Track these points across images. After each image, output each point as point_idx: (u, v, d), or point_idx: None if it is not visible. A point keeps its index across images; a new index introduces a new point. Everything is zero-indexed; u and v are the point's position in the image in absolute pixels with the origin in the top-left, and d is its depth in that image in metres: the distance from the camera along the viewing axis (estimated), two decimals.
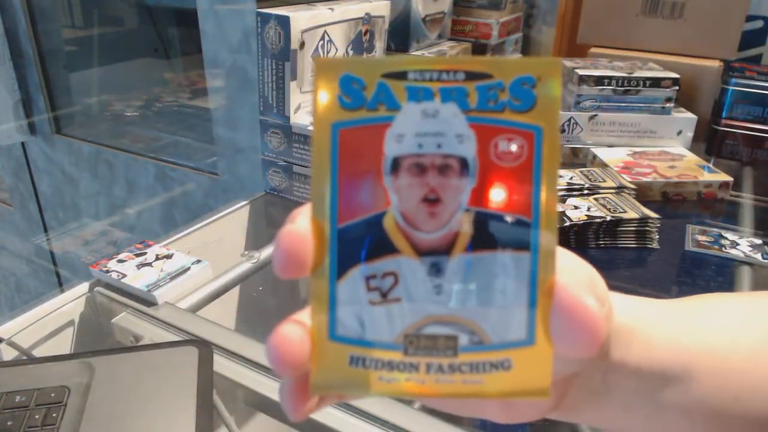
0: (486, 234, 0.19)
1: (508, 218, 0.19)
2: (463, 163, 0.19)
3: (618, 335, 0.23)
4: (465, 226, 0.19)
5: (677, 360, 0.25)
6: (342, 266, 0.19)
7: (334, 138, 0.19)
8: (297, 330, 0.19)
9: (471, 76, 0.19)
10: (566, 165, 0.95)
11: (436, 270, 0.19)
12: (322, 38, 0.77)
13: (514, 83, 0.19)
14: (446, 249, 0.19)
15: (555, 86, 0.18)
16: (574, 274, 0.20)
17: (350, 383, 0.19)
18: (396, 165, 0.19)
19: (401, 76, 0.19)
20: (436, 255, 0.19)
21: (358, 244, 0.19)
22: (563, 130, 0.96)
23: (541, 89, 0.19)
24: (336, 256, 0.19)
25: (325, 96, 0.19)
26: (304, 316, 0.20)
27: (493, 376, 0.19)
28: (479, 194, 0.19)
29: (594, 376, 0.24)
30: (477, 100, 0.19)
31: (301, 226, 0.19)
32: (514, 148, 0.19)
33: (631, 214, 0.69)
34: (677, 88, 0.93)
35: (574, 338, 0.19)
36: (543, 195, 0.19)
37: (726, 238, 0.72)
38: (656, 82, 0.93)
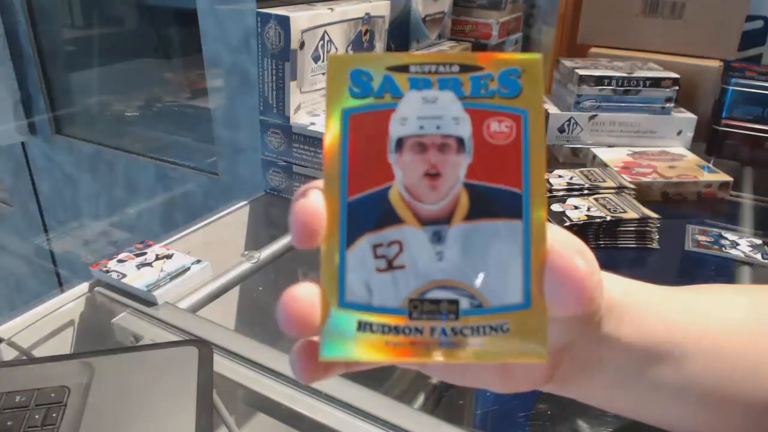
0: (482, 204, 0.21)
1: (502, 190, 0.21)
2: (460, 142, 0.21)
3: (610, 310, 0.24)
4: (463, 197, 0.21)
5: (670, 338, 0.25)
6: (351, 236, 0.21)
7: (345, 121, 0.21)
8: (308, 292, 0.20)
9: (465, 68, 0.21)
10: (566, 165, 0.95)
11: (438, 238, 0.21)
12: (322, 38, 0.77)
13: (502, 74, 0.21)
14: (446, 219, 0.21)
15: (538, 77, 0.21)
16: (564, 242, 0.21)
17: (359, 349, 0.20)
18: (400, 144, 0.21)
19: (404, 69, 0.21)
20: (437, 224, 0.21)
21: (366, 215, 0.21)
22: (563, 130, 0.96)
23: (525, 79, 0.21)
24: (345, 226, 0.21)
25: (337, 86, 0.21)
26: (316, 285, 0.21)
27: (492, 339, 0.20)
28: (475, 169, 0.21)
29: (586, 348, 0.25)
30: (470, 88, 0.21)
31: (314, 199, 0.20)
32: (504, 128, 0.21)
33: (631, 214, 0.69)
34: (677, 88, 0.93)
35: (565, 296, 0.20)
36: (532, 169, 0.21)
37: (726, 238, 0.72)
38: (656, 82, 0.93)
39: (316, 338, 0.21)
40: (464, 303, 0.21)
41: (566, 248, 0.20)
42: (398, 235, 0.21)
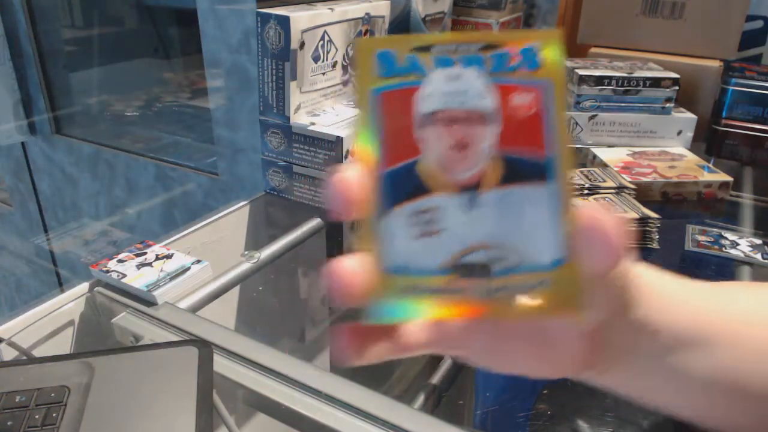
0: (512, 171, 0.22)
1: (530, 157, 0.22)
2: (486, 115, 0.22)
3: (639, 293, 0.24)
4: (493, 166, 0.22)
5: (695, 326, 0.26)
6: (387, 205, 0.22)
7: (374, 100, 0.22)
8: (353, 261, 0.22)
9: (486, 46, 0.22)
10: None
11: (472, 204, 0.22)
12: (322, 38, 0.77)
13: (523, 50, 0.22)
14: (478, 186, 0.22)
15: (557, 49, 0.22)
16: (590, 204, 0.22)
17: (403, 310, 0.22)
18: (428, 119, 0.22)
19: (428, 49, 0.22)
20: (469, 191, 0.22)
21: (400, 185, 0.22)
22: None
23: (546, 53, 0.22)
24: (382, 197, 0.22)
25: (365, 68, 0.22)
26: (359, 255, 0.22)
27: (531, 296, 0.22)
28: (502, 139, 0.22)
29: (620, 332, 0.25)
30: (493, 64, 0.22)
31: (351, 173, 0.22)
32: (528, 100, 0.22)
33: (631, 214, 0.69)
34: (677, 88, 0.93)
35: (596, 249, 0.21)
36: (558, 135, 0.22)
37: (726, 238, 0.72)
38: (656, 82, 0.93)
39: (359, 322, 0.23)
40: (501, 263, 0.22)
41: (593, 207, 0.21)
42: (433, 203, 0.22)
